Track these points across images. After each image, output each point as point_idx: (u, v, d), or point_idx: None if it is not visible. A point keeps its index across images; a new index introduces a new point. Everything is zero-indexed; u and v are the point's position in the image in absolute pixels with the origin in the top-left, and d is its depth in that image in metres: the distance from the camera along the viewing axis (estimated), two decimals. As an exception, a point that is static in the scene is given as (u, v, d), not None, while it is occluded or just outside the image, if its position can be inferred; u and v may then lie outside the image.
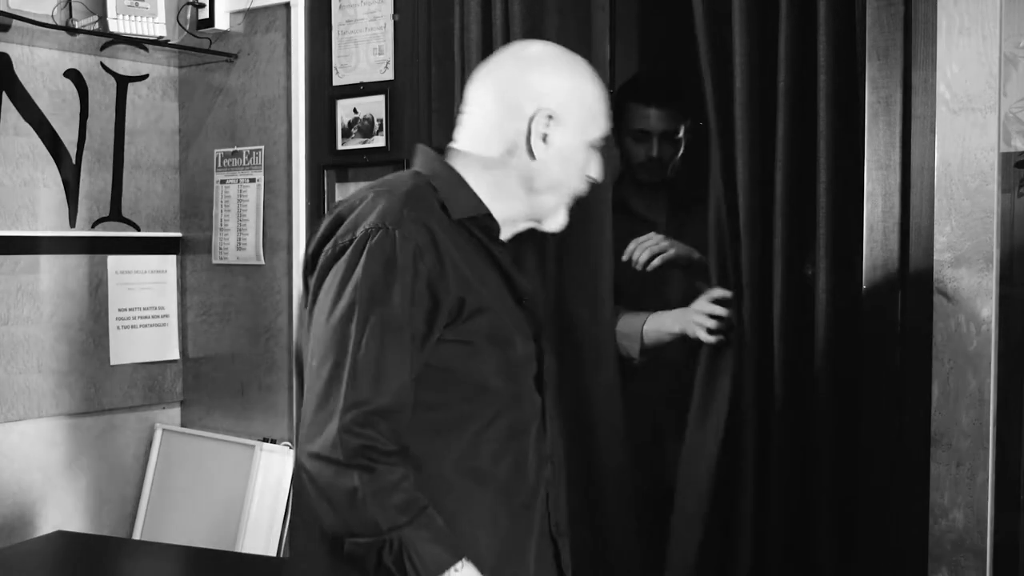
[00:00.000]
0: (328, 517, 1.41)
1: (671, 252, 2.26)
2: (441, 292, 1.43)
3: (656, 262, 2.24)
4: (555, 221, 1.64)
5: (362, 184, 1.70)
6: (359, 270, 1.41)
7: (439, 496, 1.45)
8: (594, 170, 1.64)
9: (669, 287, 2.40)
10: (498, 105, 1.56)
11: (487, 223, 1.56)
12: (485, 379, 1.50)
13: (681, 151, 2.49)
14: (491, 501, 1.52)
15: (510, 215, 1.60)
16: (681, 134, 2.49)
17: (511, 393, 1.53)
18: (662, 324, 2.29)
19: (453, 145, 1.61)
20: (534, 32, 2.50)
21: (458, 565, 1.40)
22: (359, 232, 1.43)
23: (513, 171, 1.56)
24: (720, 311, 2.14)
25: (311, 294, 1.50)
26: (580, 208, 1.71)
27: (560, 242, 2.26)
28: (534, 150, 1.55)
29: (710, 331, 2.15)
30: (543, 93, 1.55)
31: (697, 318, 2.17)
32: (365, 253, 1.41)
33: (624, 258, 2.27)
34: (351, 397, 1.38)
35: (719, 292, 2.15)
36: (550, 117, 1.54)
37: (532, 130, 1.54)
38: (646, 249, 2.25)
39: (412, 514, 1.39)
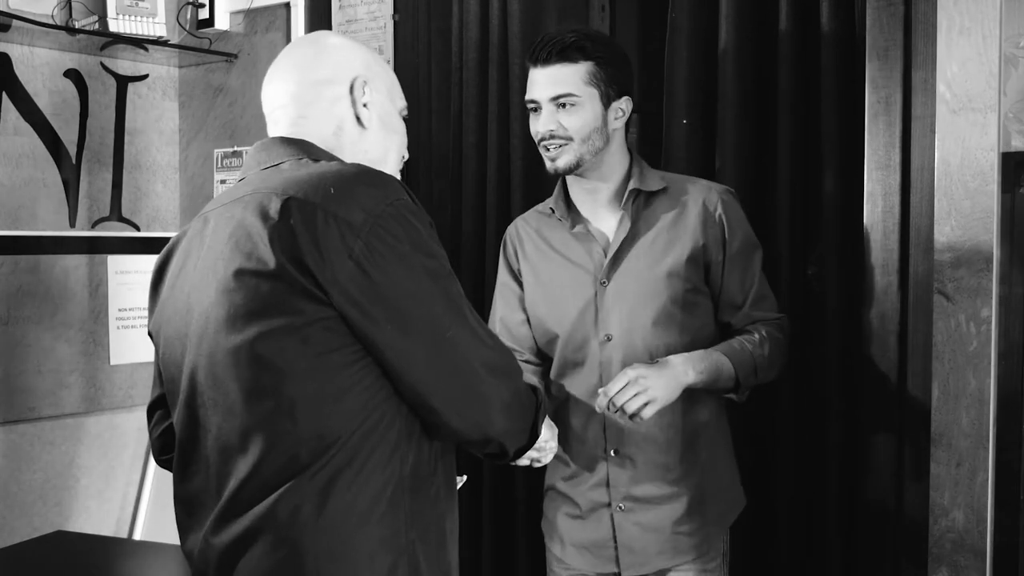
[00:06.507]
0: (520, 436, 1.47)
1: (659, 396, 1.76)
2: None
3: (648, 412, 1.75)
4: None
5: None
6: (412, 241, 1.31)
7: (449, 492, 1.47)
8: (405, 144, 1.59)
9: None
10: (311, 88, 1.49)
11: None
12: None
13: (590, 123, 1.83)
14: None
15: None
16: (596, 101, 1.83)
17: None
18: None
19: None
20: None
21: None
22: (380, 205, 1.30)
23: (347, 150, 1.50)
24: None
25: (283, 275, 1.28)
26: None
27: None
28: (361, 118, 1.50)
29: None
30: (352, 63, 1.51)
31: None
32: (407, 221, 1.31)
33: (600, 407, 1.78)
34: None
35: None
36: (365, 82, 1.51)
37: (355, 99, 1.50)
38: (629, 400, 1.74)
39: None
